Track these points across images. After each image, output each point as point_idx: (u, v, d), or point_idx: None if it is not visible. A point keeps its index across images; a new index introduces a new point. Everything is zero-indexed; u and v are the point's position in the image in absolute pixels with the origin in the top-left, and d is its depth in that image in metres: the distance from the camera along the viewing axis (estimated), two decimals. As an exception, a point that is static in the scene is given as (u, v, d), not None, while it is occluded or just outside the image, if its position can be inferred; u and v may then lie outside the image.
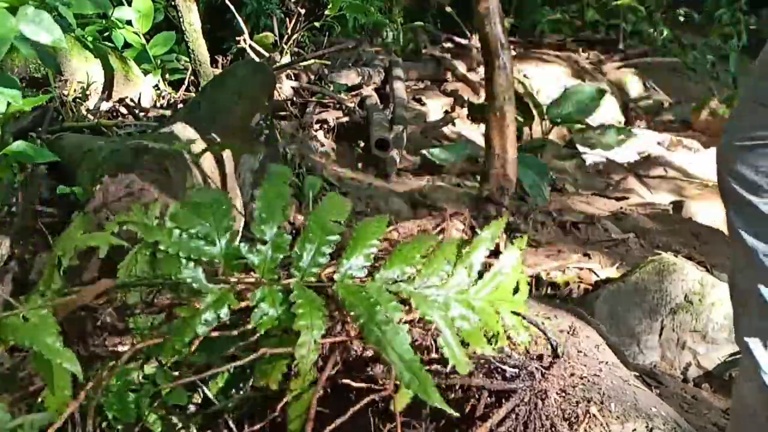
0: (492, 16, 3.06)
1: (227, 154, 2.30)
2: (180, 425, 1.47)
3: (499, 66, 3.12)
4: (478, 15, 3.09)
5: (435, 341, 1.44)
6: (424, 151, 4.82)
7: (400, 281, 1.36)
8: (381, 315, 1.24)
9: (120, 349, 1.68)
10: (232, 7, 5.51)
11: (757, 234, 1.29)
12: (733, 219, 1.34)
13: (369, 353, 1.46)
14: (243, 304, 1.35)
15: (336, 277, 1.36)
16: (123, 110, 4.30)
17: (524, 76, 6.49)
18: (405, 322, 1.29)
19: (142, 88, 4.60)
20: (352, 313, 1.27)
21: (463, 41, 7.89)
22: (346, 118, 5.24)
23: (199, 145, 2.18)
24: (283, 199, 1.51)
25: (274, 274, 1.38)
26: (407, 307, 1.35)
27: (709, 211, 4.47)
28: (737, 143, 1.32)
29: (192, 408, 1.54)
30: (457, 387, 1.46)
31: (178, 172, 2.01)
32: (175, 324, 1.31)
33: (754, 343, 1.31)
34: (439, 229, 2.16)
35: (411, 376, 1.20)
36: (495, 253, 1.53)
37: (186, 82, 4.80)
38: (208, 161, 2.19)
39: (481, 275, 1.42)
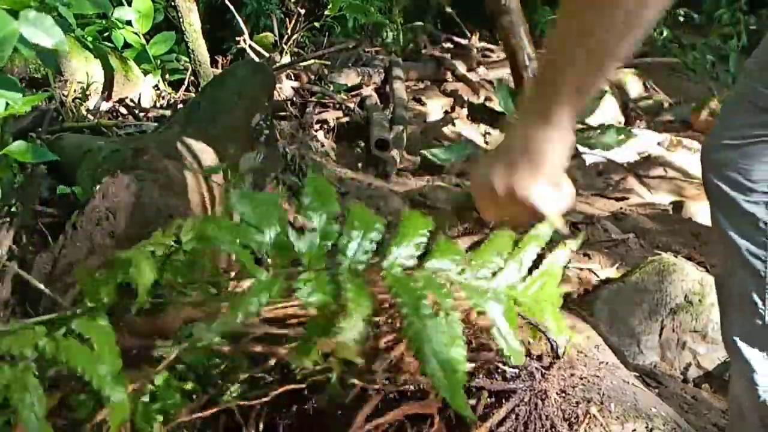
0: (515, 28, 3.01)
1: (228, 154, 2.30)
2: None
3: (528, 78, 3.09)
4: (502, 29, 3.05)
5: (476, 337, 1.42)
6: (424, 151, 4.82)
7: (449, 271, 1.32)
8: (426, 308, 1.20)
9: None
10: (232, 7, 5.52)
11: (744, 233, 1.29)
12: (719, 219, 1.34)
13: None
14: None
15: (384, 264, 1.31)
16: (123, 110, 4.30)
17: (524, 76, 6.48)
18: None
19: (142, 88, 4.60)
20: (398, 300, 1.22)
21: (463, 41, 7.88)
22: (346, 118, 5.24)
23: (206, 154, 2.18)
24: (332, 189, 1.46)
25: (321, 263, 1.33)
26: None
27: (709, 211, 4.47)
28: (725, 142, 1.31)
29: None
30: (457, 387, 1.46)
31: (179, 173, 2.01)
32: (231, 299, 1.25)
33: (743, 344, 1.31)
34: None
35: (442, 375, 1.17)
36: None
37: (186, 82, 4.80)
38: (209, 160, 2.19)
39: (530, 272, 1.39)
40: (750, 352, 1.30)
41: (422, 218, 1.37)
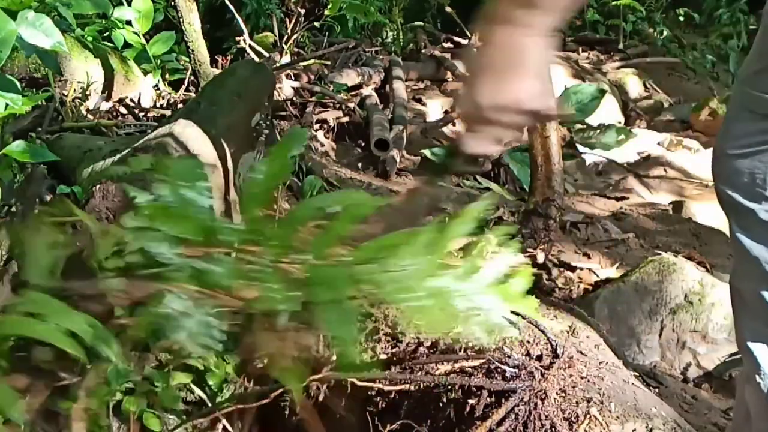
0: None
1: (228, 153, 2.30)
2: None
3: None
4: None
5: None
6: (424, 151, 4.82)
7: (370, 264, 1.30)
8: (335, 294, 1.19)
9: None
10: (232, 7, 5.51)
11: (758, 240, 1.28)
12: (733, 226, 1.33)
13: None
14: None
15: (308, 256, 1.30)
16: (123, 110, 4.30)
17: (524, 76, 6.47)
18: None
19: (142, 88, 4.60)
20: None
21: (463, 41, 7.88)
22: (346, 118, 5.24)
23: (203, 144, 2.18)
24: (278, 178, 1.44)
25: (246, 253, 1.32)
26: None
27: (709, 211, 4.47)
28: (730, 152, 1.31)
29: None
30: (457, 387, 1.46)
31: (178, 172, 2.00)
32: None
33: (757, 348, 1.31)
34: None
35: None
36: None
37: (186, 82, 4.80)
38: (210, 157, 2.19)
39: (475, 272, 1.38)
40: (763, 356, 1.30)
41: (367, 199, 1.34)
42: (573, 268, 2.96)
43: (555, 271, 2.75)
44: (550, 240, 2.92)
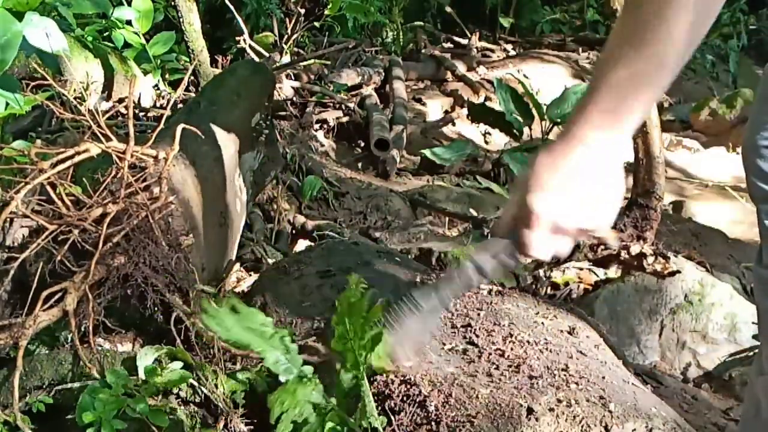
0: None
1: (229, 153, 2.30)
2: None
3: None
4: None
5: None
6: (424, 151, 4.82)
7: None
8: None
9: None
10: (232, 7, 5.51)
11: None
12: (763, 217, 1.32)
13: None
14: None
15: None
16: (123, 110, 4.29)
17: (524, 76, 6.48)
18: None
19: (142, 88, 4.60)
20: None
21: (463, 41, 7.88)
22: (346, 118, 5.25)
23: (203, 145, 2.18)
24: None
25: None
26: None
27: (709, 211, 4.48)
28: (759, 143, 1.30)
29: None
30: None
31: (178, 172, 2.00)
32: None
33: None
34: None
35: None
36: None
37: (186, 82, 4.79)
38: (207, 161, 2.19)
39: None
40: None
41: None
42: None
43: (650, 259, 2.80)
44: (651, 228, 3.05)
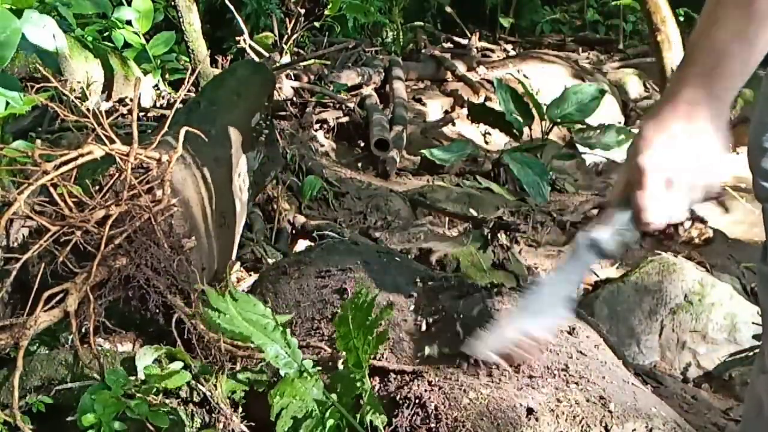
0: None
1: (229, 153, 2.30)
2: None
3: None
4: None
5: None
6: (424, 151, 4.82)
7: None
8: None
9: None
10: (232, 7, 5.51)
11: None
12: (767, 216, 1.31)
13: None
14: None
15: None
16: (123, 110, 4.29)
17: (524, 76, 6.48)
18: None
19: (142, 88, 4.59)
20: None
21: (463, 41, 7.88)
22: (346, 118, 5.24)
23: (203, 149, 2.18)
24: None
25: None
26: None
27: (708, 211, 4.46)
28: (764, 144, 1.29)
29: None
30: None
31: (178, 172, 2.00)
32: None
33: None
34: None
35: None
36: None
37: (188, 82, 4.79)
38: (207, 161, 2.19)
39: None
40: None
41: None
42: None
43: (687, 224, 2.81)
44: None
